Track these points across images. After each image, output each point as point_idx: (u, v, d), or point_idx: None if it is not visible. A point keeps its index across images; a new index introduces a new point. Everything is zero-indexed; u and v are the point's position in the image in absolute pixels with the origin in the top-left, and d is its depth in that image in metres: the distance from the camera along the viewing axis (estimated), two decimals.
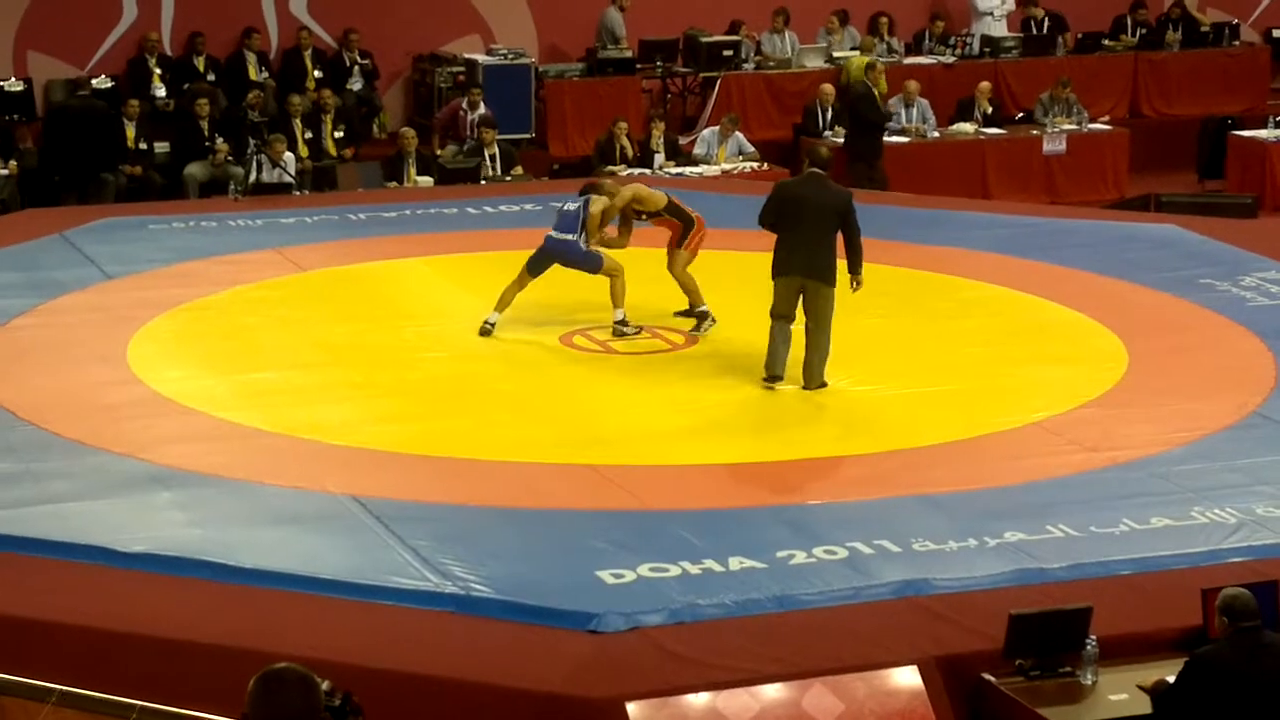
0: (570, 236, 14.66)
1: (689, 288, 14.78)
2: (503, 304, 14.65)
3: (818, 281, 13.39)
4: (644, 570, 10.07)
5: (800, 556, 10.30)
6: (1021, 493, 11.43)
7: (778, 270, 13.49)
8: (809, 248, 13.37)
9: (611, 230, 15.13)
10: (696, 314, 14.74)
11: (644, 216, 15.13)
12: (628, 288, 14.62)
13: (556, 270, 14.82)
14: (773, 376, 13.42)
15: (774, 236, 13.58)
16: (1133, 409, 13.00)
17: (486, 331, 14.55)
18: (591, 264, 14.73)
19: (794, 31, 24.77)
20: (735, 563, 10.18)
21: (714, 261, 15.76)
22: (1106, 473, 11.77)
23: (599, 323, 14.75)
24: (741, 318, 14.95)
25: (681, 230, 14.92)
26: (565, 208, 14.86)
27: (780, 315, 13.46)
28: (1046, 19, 25.92)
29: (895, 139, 22.64)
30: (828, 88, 22.95)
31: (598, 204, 14.80)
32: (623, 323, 14.61)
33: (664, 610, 9.59)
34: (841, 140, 22.01)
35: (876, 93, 22.31)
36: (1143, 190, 22.43)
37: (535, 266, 14.74)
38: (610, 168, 21.13)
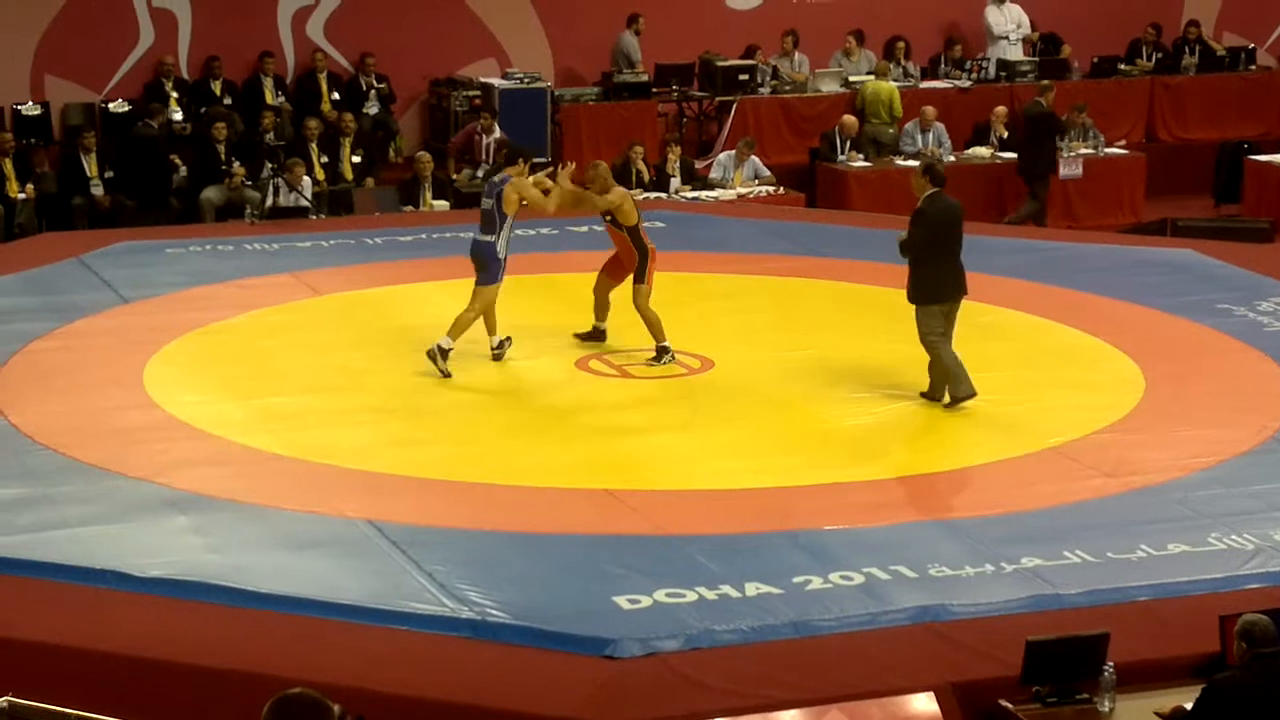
0: (488, 238, 14.33)
1: (653, 323, 14.56)
2: (490, 328, 14.55)
3: (962, 295, 13.55)
4: (660, 595, 10.07)
5: (817, 582, 10.30)
6: (1038, 518, 11.41)
7: (934, 297, 13.37)
8: (958, 267, 13.49)
9: (546, 186, 14.59)
10: (658, 349, 14.53)
11: (607, 218, 14.76)
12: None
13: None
14: (968, 395, 13.41)
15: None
16: (1149, 434, 12.99)
17: (498, 356, 14.55)
18: (486, 273, 14.29)
19: (805, 55, 24.82)
20: (752, 588, 10.17)
21: (733, 286, 15.78)
22: (1123, 498, 11.75)
23: (614, 348, 14.74)
24: (761, 341, 14.99)
25: (638, 261, 14.59)
26: (482, 206, 14.53)
27: (945, 336, 13.42)
28: (1040, 41, 25.94)
29: (911, 163, 22.64)
30: (850, 119, 22.94)
31: (511, 190, 14.24)
32: (444, 353, 14.10)
33: (680, 636, 9.59)
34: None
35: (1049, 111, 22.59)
36: (1159, 214, 22.43)
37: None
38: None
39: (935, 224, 13.42)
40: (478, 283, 14.36)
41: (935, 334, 13.39)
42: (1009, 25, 25.55)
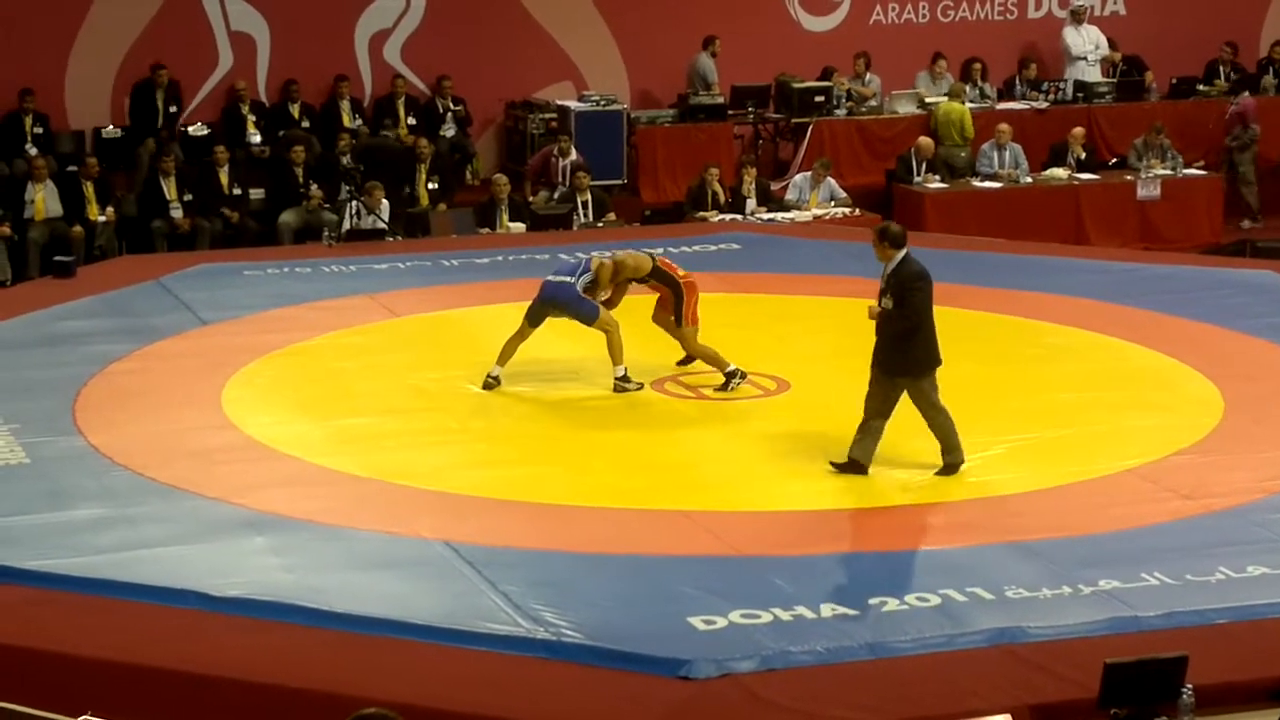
0: (568, 279, 14.48)
1: (709, 357, 14.52)
2: (504, 357, 14.53)
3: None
4: (735, 616, 10.06)
5: (893, 604, 10.26)
6: (1116, 540, 11.34)
7: (934, 363, 12.45)
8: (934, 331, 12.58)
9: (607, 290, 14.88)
10: (725, 376, 14.47)
11: (633, 281, 14.89)
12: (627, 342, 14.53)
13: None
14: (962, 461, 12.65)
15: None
16: (1229, 456, 12.89)
17: (491, 385, 14.44)
18: (585, 312, 14.45)
19: (881, 76, 24.80)
20: (827, 609, 10.15)
21: (808, 308, 15.74)
22: (1202, 520, 11.67)
23: (691, 369, 14.73)
24: (837, 363, 14.93)
25: (673, 300, 14.60)
26: (563, 256, 14.81)
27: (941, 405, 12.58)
28: (1121, 63, 25.80)
29: (988, 184, 22.59)
30: (925, 141, 22.86)
31: (599, 259, 14.64)
32: (624, 379, 14.40)
33: (755, 657, 9.58)
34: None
35: None
36: (1238, 236, 22.28)
37: (534, 316, 14.56)
38: (702, 214, 21.17)
39: (929, 287, 12.54)
40: (588, 325, 14.46)
41: (936, 399, 12.55)
42: (1087, 46, 25.43)
